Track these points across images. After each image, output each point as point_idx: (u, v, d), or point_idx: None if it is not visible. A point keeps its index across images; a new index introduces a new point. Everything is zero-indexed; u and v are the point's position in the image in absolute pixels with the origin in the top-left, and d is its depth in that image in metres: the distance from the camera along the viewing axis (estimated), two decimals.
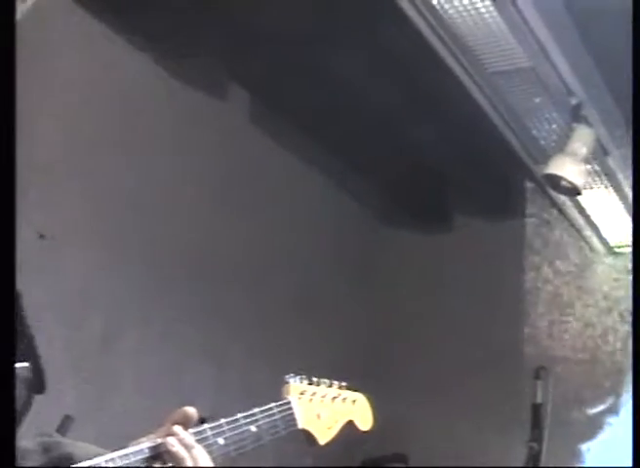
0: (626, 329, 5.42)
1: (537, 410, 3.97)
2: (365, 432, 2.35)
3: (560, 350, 5.50)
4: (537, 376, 3.98)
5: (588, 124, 4.33)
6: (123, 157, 4.36)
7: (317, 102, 5.04)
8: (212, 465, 1.88)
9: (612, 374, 5.45)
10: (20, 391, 1.65)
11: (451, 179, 5.78)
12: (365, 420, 2.37)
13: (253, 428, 2.03)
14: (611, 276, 5.67)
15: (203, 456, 1.86)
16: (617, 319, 5.52)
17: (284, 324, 5.27)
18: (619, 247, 5.67)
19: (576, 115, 4.27)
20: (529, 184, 5.28)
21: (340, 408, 2.29)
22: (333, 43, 4.52)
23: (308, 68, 4.75)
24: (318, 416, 2.22)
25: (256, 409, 2.07)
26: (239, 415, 2.02)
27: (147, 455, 1.83)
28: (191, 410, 1.90)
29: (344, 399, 2.32)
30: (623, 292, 5.43)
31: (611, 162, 4.76)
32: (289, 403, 2.16)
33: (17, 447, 1.65)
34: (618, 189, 5.01)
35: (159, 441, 1.85)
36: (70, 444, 1.91)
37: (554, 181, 4.32)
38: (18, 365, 1.65)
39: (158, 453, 1.84)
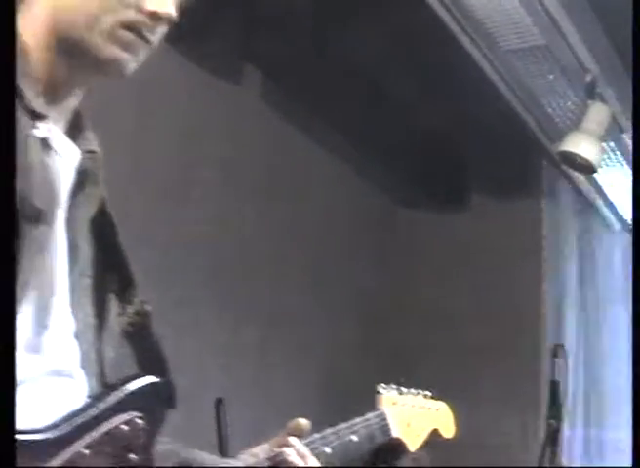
0: None
1: (555, 388, 3.97)
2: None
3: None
4: (554, 354, 3.98)
5: (603, 101, 4.33)
6: (136, 139, 4.36)
7: (331, 85, 5.04)
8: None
9: None
10: (152, 407, 1.60)
11: (467, 159, 5.77)
12: (448, 428, 2.51)
13: (354, 437, 2.13)
14: (628, 254, 5.66)
15: (315, 466, 1.95)
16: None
17: (299, 308, 5.28)
18: None
19: (590, 92, 4.27)
20: (545, 163, 5.27)
21: (426, 416, 2.44)
22: (346, 24, 4.52)
23: (323, 50, 4.75)
24: (408, 425, 2.35)
25: (357, 419, 2.18)
26: (342, 425, 2.12)
27: (267, 466, 1.92)
28: (305, 422, 1.98)
29: (429, 408, 2.47)
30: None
31: (627, 139, 4.76)
32: (384, 413, 2.27)
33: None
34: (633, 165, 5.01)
35: (276, 451, 1.93)
36: (191, 451, 1.93)
37: (569, 159, 4.32)
38: (148, 380, 1.60)
39: (275, 464, 1.92)
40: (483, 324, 5.68)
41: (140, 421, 1.55)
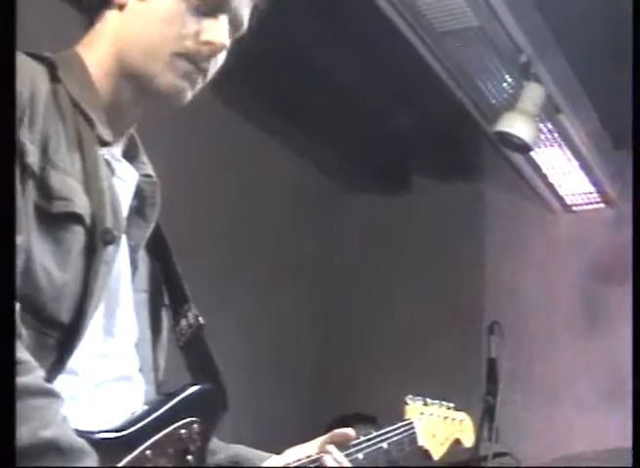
0: (587, 286, 5.46)
1: (492, 365, 4.02)
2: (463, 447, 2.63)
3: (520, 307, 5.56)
4: (491, 332, 4.02)
5: (538, 81, 4.36)
6: None
7: (272, 67, 5.05)
8: None
9: None
10: (207, 412, 1.75)
11: (408, 142, 5.80)
12: (469, 438, 2.63)
13: (384, 445, 2.20)
14: (570, 235, 5.72)
15: None
16: (576, 278, 5.57)
17: (249, 295, 5.28)
18: (575, 205, 5.72)
19: (525, 73, 4.30)
20: (484, 144, 5.31)
21: (450, 427, 2.52)
22: (283, 3, 4.51)
23: (262, 30, 4.74)
24: (433, 435, 2.43)
25: (388, 428, 2.26)
26: (374, 433, 2.18)
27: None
28: (352, 433, 2.07)
29: (453, 419, 2.56)
30: (582, 252, 5.48)
31: (563, 119, 4.80)
32: (412, 423, 2.36)
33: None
34: (572, 147, 5.06)
35: (314, 456, 1.99)
36: (237, 447, 2.04)
37: (505, 139, 4.36)
38: (204, 387, 1.77)
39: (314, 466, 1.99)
40: (428, 304, 5.73)
41: (196, 425, 1.70)
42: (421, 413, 2.43)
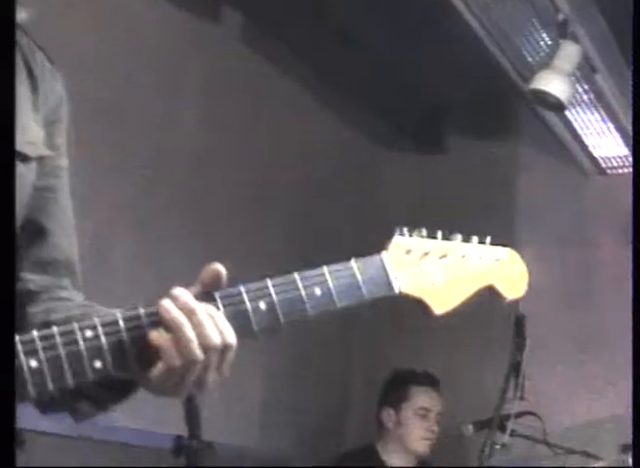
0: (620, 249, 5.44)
1: (519, 321, 4.03)
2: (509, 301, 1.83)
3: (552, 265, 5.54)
4: None
5: (575, 40, 4.35)
6: (118, 81, 4.37)
7: (311, 28, 5.06)
8: (232, 334, 1.54)
9: None
10: None
11: (444, 101, 5.80)
12: (513, 284, 1.82)
13: (317, 290, 1.62)
14: (602, 197, 5.69)
15: (214, 323, 1.52)
16: (611, 240, 5.53)
17: (279, 253, 5.30)
18: (609, 168, 5.70)
19: (562, 31, 4.29)
20: (520, 105, 5.30)
21: (472, 268, 1.80)
22: None
23: None
24: (432, 280, 1.75)
25: (325, 268, 1.65)
26: (296, 275, 1.61)
27: (138, 324, 1.52)
28: (216, 267, 1.57)
29: (480, 257, 1.81)
30: (614, 213, 5.45)
31: (600, 79, 4.78)
32: (380, 260, 1.72)
33: None
34: (607, 108, 5.03)
35: (151, 308, 1.53)
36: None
37: (540, 97, 4.34)
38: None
39: (153, 321, 1.52)
40: None
41: None
42: (408, 251, 1.76)
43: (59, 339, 1.46)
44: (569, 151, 5.52)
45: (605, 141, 5.39)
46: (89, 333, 1.48)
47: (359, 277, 1.67)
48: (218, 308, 1.54)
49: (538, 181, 5.73)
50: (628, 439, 3.80)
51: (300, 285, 1.60)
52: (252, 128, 5.17)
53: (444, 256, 1.78)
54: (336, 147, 5.85)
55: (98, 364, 1.48)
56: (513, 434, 4.18)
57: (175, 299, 1.52)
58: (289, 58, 5.27)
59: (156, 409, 3.88)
